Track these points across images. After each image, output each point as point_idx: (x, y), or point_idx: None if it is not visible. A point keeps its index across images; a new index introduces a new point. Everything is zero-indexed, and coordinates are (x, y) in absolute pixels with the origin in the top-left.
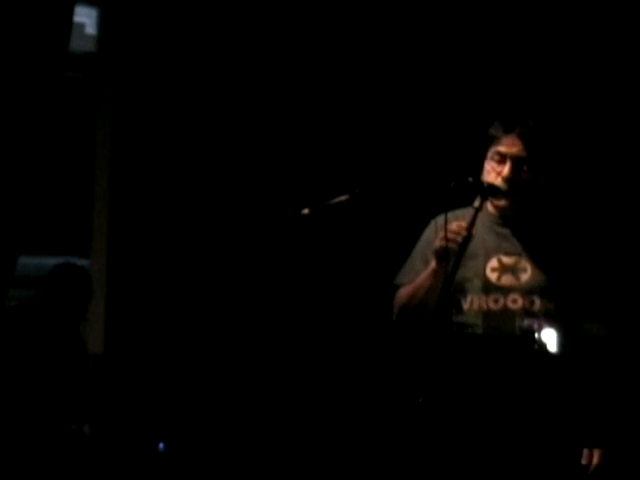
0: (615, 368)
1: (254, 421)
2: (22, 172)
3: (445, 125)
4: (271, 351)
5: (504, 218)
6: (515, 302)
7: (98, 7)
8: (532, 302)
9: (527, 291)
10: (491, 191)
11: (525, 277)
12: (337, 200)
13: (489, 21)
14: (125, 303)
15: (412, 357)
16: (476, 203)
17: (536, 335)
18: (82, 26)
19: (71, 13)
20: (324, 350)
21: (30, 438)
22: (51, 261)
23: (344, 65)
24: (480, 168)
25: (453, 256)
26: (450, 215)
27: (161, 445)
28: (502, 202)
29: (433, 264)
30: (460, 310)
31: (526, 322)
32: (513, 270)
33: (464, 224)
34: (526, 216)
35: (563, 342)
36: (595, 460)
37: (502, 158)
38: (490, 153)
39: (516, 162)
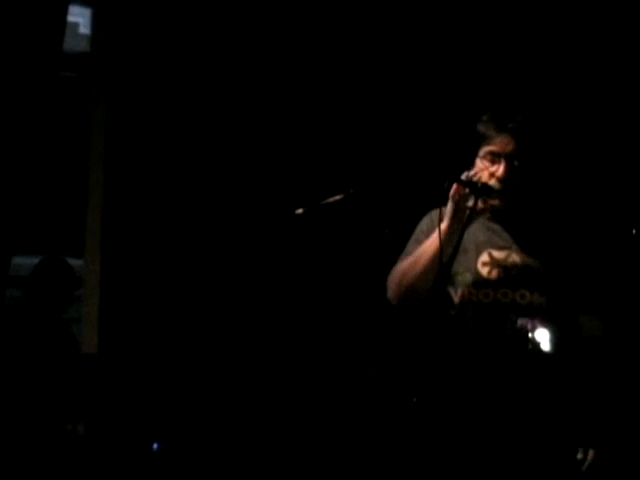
0: (609, 367)
1: (248, 420)
2: (16, 172)
3: (437, 125)
4: (265, 350)
5: (495, 213)
6: (506, 296)
7: (92, 6)
8: (523, 296)
9: (518, 285)
10: (485, 191)
11: (515, 271)
12: (331, 200)
13: (473, 21)
14: (119, 303)
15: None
16: (470, 203)
17: (530, 335)
18: (76, 26)
19: (65, 13)
20: (317, 349)
21: (25, 438)
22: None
23: (337, 66)
24: (470, 165)
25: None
26: (444, 209)
27: (155, 445)
28: (496, 201)
29: (446, 222)
30: (451, 303)
31: (520, 322)
32: (504, 264)
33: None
34: (517, 211)
35: (557, 341)
36: (590, 455)
37: (496, 157)
38: (482, 152)
39: (510, 160)
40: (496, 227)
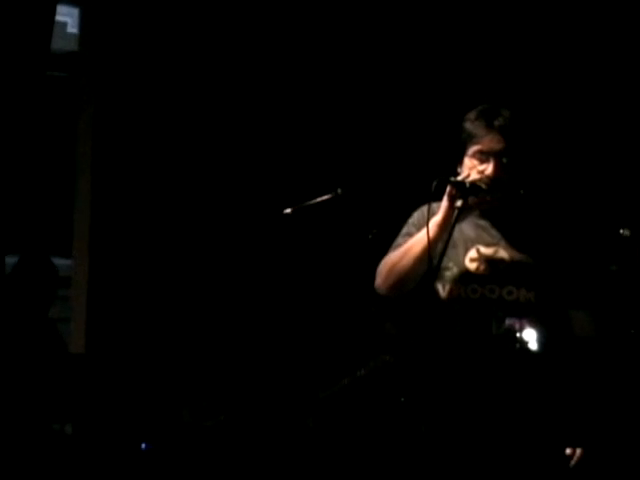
0: (599, 366)
1: (237, 419)
2: (5, 172)
3: (424, 125)
4: (253, 349)
5: (484, 210)
6: (493, 292)
7: (80, 6)
8: (510, 292)
9: (505, 281)
10: (474, 191)
11: (503, 267)
12: (319, 200)
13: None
14: (106, 303)
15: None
16: (458, 203)
17: (518, 334)
18: (64, 25)
19: (53, 12)
20: (306, 347)
21: (12, 438)
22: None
23: (324, 67)
24: (457, 164)
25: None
26: (434, 205)
27: (143, 445)
28: (485, 200)
29: (440, 216)
30: (438, 298)
31: (508, 322)
32: (491, 260)
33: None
34: (506, 207)
35: (545, 340)
36: (578, 451)
37: (484, 156)
38: (471, 151)
39: (499, 159)
40: (485, 223)
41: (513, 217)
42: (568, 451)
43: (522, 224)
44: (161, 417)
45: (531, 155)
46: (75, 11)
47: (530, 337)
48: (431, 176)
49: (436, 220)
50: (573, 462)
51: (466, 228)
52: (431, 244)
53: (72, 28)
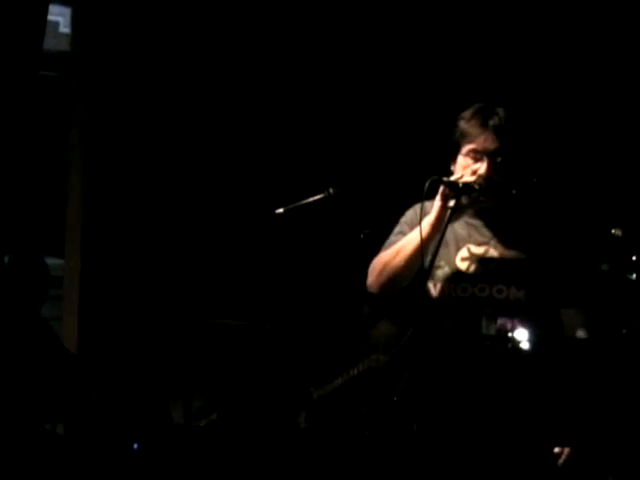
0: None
1: (229, 419)
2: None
3: (416, 125)
4: (246, 349)
5: (477, 209)
6: (483, 291)
7: (72, 6)
8: (500, 290)
9: (495, 280)
10: (467, 190)
11: (493, 266)
12: (311, 199)
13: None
14: (99, 303)
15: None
16: (451, 203)
17: (509, 334)
18: (56, 25)
19: (45, 12)
20: (299, 347)
21: (3, 438)
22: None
23: (314, 67)
24: (449, 161)
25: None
26: (427, 204)
27: (135, 445)
28: (478, 200)
29: (433, 215)
30: (429, 297)
31: (499, 321)
32: (482, 260)
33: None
34: (498, 207)
35: (537, 339)
36: (566, 450)
37: (479, 155)
38: (464, 150)
39: (493, 158)
40: (476, 223)
41: (505, 217)
42: (556, 450)
43: (514, 223)
44: (153, 416)
45: (525, 155)
46: (67, 11)
47: (522, 337)
48: (424, 176)
49: (429, 220)
50: (561, 461)
51: (458, 227)
52: (423, 243)
53: (64, 28)
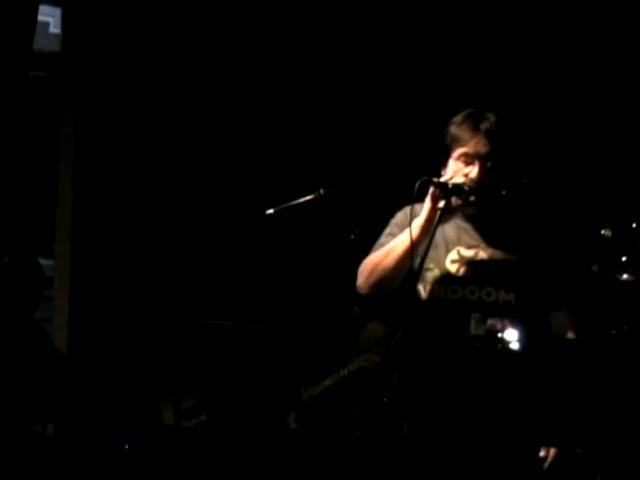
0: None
1: (219, 420)
2: None
3: (409, 126)
4: (236, 349)
5: (466, 212)
6: (472, 293)
7: (62, 6)
8: (489, 293)
9: (484, 283)
10: (456, 192)
11: (483, 269)
12: (301, 200)
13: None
14: (89, 303)
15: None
16: (441, 204)
17: (499, 335)
18: (46, 25)
19: (35, 12)
20: (289, 348)
21: None
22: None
23: (306, 69)
24: (440, 166)
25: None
26: (417, 207)
27: (126, 446)
28: (467, 201)
29: (423, 217)
30: (418, 298)
31: (489, 322)
32: (471, 262)
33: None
34: (488, 210)
35: (526, 340)
36: (552, 453)
37: (470, 159)
38: (456, 154)
39: (484, 162)
40: (466, 225)
41: (494, 219)
42: (542, 452)
43: (503, 226)
44: (143, 417)
45: (515, 157)
46: (57, 11)
47: (511, 337)
48: (414, 177)
49: (419, 221)
50: (547, 463)
51: (447, 229)
52: (413, 245)
53: (54, 28)
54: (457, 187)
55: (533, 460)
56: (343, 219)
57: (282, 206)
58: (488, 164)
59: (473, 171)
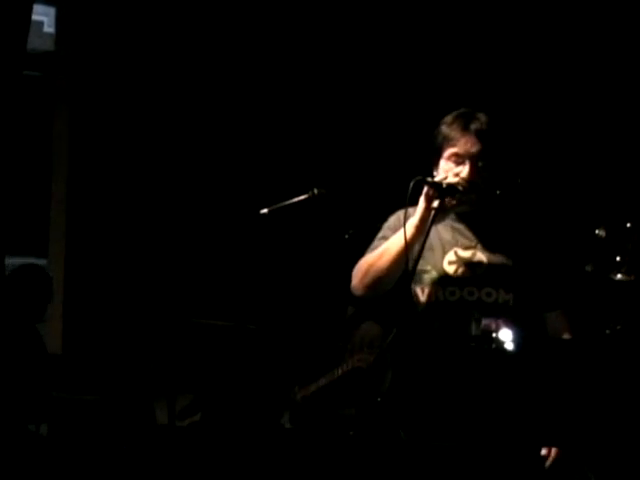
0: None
1: (213, 420)
2: None
3: (403, 127)
4: (231, 349)
5: (460, 213)
6: (471, 294)
7: (56, 5)
8: (488, 294)
9: (483, 283)
10: (450, 192)
11: (481, 270)
12: (296, 200)
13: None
14: (83, 303)
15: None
16: (435, 204)
17: (494, 335)
18: (40, 24)
19: (29, 11)
20: (283, 348)
21: None
22: (9, 261)
23: (302, 69)
24: (432, 164)
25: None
26: (411, 210)
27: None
28: (461, 201)
29: (417, 217)
30: (416, 301)
31: (484, 322)
32: (469, 263)
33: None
34: (482, 210)
35: (521, 340)
36: (553, 452)
37: (460, 159)
38: (446, 154)
39: (474, 162)
40: (461, 226)
41: (489, 219)
42: (544, 452)
43: (498, 226)
44: (136, 417)
45: (508, 157)
46: (51, 10)
47: (506, 337)
48: (408, 177)
49: (413, 221)
50: (548, 463)
51: (443, 231)
52: (408, 245)
53: (48, 27)
54: (451, 187)
55: (525, 459)
56: (337, 219)
57: (276, 206)
58: (479, 164)
59: (464, 171)
